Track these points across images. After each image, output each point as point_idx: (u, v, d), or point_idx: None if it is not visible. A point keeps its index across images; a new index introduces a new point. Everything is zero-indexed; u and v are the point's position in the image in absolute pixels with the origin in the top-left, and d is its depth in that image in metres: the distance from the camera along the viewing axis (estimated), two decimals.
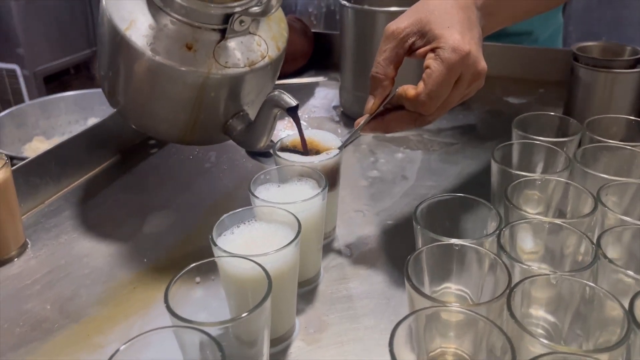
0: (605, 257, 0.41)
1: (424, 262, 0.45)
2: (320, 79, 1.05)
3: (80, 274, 0.57)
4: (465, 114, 0.89)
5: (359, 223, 0.64)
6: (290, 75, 1.05)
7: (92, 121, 2.29)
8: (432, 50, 0.52)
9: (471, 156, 0.77)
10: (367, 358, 0.47)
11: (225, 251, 0.43)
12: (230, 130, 0.63)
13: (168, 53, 0.56)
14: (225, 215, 0.47)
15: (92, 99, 2.41)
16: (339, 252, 0.60)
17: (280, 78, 1.02)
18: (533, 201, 0.53)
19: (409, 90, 0.53)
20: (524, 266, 0.41)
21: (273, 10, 0.57)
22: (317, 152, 0.59)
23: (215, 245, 0.43)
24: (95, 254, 0.60)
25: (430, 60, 0.52)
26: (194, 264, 0.42)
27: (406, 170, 0.74)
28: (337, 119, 0.90)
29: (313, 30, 1.10)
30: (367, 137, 0.83)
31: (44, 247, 0.61)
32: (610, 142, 0.56)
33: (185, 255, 0.59)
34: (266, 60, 0.60)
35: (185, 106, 0.59)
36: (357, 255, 0.59)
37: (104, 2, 0.60)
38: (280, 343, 0.48)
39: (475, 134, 0.84)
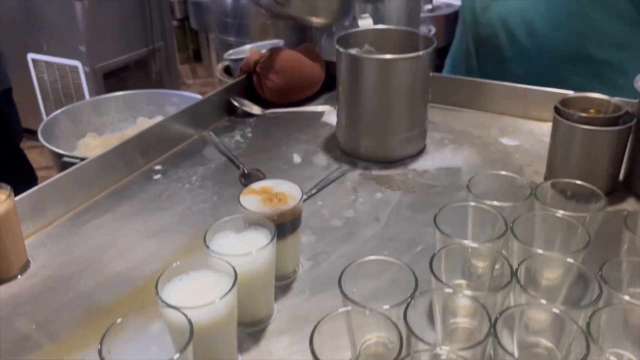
0: (496, 337, 0.44)
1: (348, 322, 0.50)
2: (326, 107, 1.09)
3: (66, 297, 0.65)
4: (454, 154, 0.92)
5: (322, 265, 0.69)
6: (298, 103, 1.10)
7: (140, 120, 2.45)
8: None
9: (445, 203, 0.79)
10: None
11: (163, 301, 0.49)
12: None
13: None
14: (176, 262, 0.53)
15: (141, 99, 2.57)
16: (297, 293, 0.65)
17: (287, 106, 1.09)
18: (458, 269, 0.56)
19: None
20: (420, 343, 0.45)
21: None
22: (280, 201, 0.64)
23: (157, 294, 0.50)
24: (83, 277, 0.68)
25: None
26: (135, 310, 0.48)
27: (379, 212, 0.78)
28: (332, 152, 0.95)
29: (327, 60, 1.15)
30: (354, 175, 0.87)
31: (43, 267, 0.70)
32: (550, 211, 0.58)
33: None
34: None
35: None
36: (314, 299, 0.64)
37: None
38: None
39: (459, 177, 0.86)
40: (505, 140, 0.95)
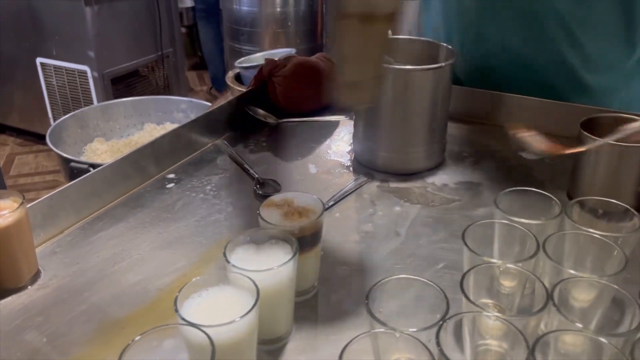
0: None
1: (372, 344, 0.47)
2: (341, 117, 1.07)
3: (78, 309, 0.63)
4: (474, 168, 0.90)
5: (340, 281, 0.67)
6: (313, 113, 1.09)
7: (148, 126, 2.42)
8: None
9: (465, 218, 0.78)
10: None
11: (183, 318, 0.47)
12: None
13: None
14: (195, 278, 0.51)
15: (149, 105, 2.55)
16: (315, 310, 0.63)
17: (302, 116, 1.07)
18: (485, 288, 0.54)
19: None
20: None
21: None
22: (300, 214, 0.62)
23: (177, 311, 0.48)
24: (95, 289, 0.66)
25: None
26: (154, 328, 0.46)
27: (399, 226, 0.76)
28: (348, 163, 0.93)
29: None
30: (372, 187, 0.85)
31: (54, 277, 0.68)
32: (583, 229, 0.56)
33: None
34: None
35: None
36: (332, 316, 0.62)
37: None
38: None
39: (478, 192, 0.84)
40: (525, 155, 0.93)
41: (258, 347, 0.57)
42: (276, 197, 0.64)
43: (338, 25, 0.53)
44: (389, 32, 0.57)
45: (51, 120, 2.87)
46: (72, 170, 1.87)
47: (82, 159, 2.07)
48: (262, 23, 2.12)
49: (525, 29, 0.95)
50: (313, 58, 1.10)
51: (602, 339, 0.43)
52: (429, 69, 0.83)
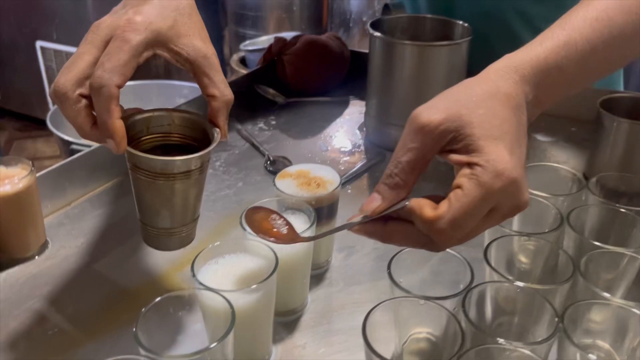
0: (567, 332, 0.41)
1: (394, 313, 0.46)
2: (352, 97, 1.06)
3: (86, 280, 0.62)
4: None
5: (354, 257, 0.66)
6: (322, 93, 1.07)
7: None
8: (469, 164, 0.40)
9: None
10: None
11: (201, 283, 0.46)
12: None
13: None
14: (211, 244, 0.50)
15: (150, 90, 2.52)
16: (330, 284, 0.62)
17: (311, 95, 1.05)
18: (503, 264, 0.53)
19: (426, 209, 0.42)
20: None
21: None
22: (318, 185, 0.61)
23: (194, 276, 0.46)
24: (103, 261, 0.65)
25: (463, 179, 0.40)
26: (168, 294, 0.45)
27: None
28: (359, 142, 0.92)
29: (352, 49, 1.11)
30: (384, 166, 0.84)
31: (61, 248, 0.67)
32: (608, 204, 0.55)
33: (186, 272, 0.63)
34: None
35: None
36: (347, 291, 0.61)
37: None
38: None
39: None
40: (540, 137, 0.92)
41: (274, 318, 0.56)
42: (291, 169, 0.62)
43: (133, 176, 0.50)
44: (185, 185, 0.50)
45: (50, 105, 2.84)
46: (73, 153, 1.85)
47: (83, 141, 2.05)
48: (267, 7, 2.10)
49: (491, 26, 0.92)
50: (323, 37, 1.08)
51: (634, 309, 0.42)
52: (444, 45, 0.82)
